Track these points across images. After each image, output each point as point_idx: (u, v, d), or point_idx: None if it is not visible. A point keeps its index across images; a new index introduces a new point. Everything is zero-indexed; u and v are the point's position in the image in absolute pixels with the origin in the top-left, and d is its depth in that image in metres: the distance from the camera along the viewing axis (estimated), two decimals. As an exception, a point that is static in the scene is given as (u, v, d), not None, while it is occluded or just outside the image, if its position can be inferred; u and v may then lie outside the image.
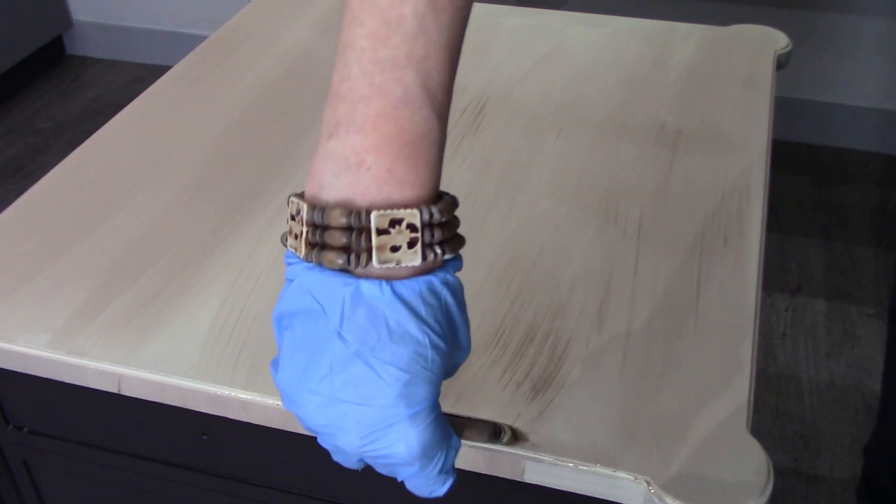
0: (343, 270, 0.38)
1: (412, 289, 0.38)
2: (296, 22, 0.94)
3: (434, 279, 0.39)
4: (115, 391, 0.57)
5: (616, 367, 0.55)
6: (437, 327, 0.39)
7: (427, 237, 0.38)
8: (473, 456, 0.51)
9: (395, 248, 0.38)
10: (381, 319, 0.38)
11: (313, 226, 0.38)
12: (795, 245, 1.83)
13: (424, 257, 0.38)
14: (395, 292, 0.38)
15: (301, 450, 0.57)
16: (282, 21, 0.95)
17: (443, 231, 0.39)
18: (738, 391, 0.53)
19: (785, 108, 1.24)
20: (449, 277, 0.40)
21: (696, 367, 0.55)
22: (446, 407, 0.52)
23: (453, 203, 0.40)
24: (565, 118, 0.79)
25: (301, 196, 0.40)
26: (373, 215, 0.37)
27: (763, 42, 0.91)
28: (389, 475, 0.42)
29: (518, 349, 0.56)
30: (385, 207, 0.37)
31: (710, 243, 0.65)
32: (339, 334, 0.38)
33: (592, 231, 0.66)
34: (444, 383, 0.54)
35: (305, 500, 0.60)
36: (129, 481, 0.66)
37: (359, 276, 0.38)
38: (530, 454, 0.50)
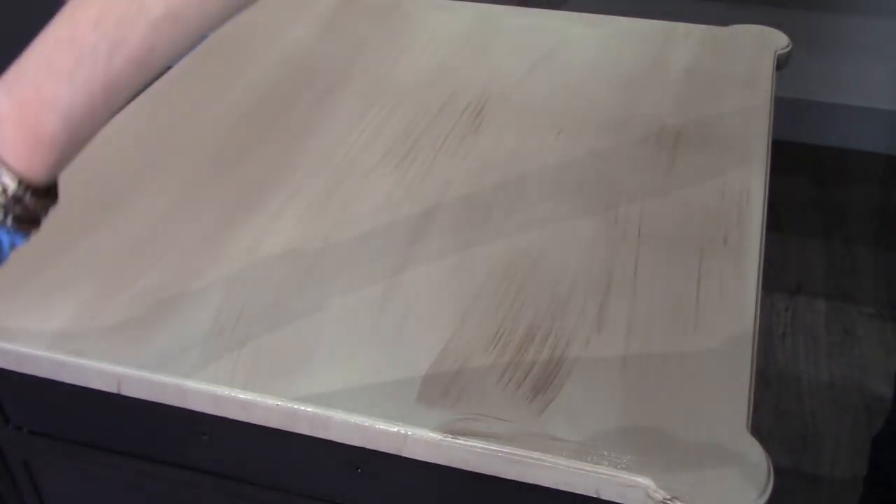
0: None
1: None
2: (296, 22, 0.94)
3: None
4: (115, 391, 0.57)
5: (616, 367, 0.55)
6: None
7: None
8: (474, 456, 0.51)
9: None
10: None
11: None
12: (795, 245, 1.83)
13: None
14: None
15: (301, 450, 0.57)
16: (282, 21, 0.95)
17: None
18: (738, 391, 0.53)
19: (785, 108, 1.24)
20: None
21: (696, 367, 0.55)
22: (446, 407, 0.52)
23: None
24: (565, 118, 0.79)
25: None
26: None
27: (763, 42, 0.91)
28: None
29: (518, 349, 0.56)
30: None
31: (710, 243, 0.65)
32: None
33: (592, 231, 0.66)
34: (445, 383, 0.54)
35: (305, 500, 0.60)
36: (130, 481, 0.66)
37: None
38: (530, 454, 0.50)
